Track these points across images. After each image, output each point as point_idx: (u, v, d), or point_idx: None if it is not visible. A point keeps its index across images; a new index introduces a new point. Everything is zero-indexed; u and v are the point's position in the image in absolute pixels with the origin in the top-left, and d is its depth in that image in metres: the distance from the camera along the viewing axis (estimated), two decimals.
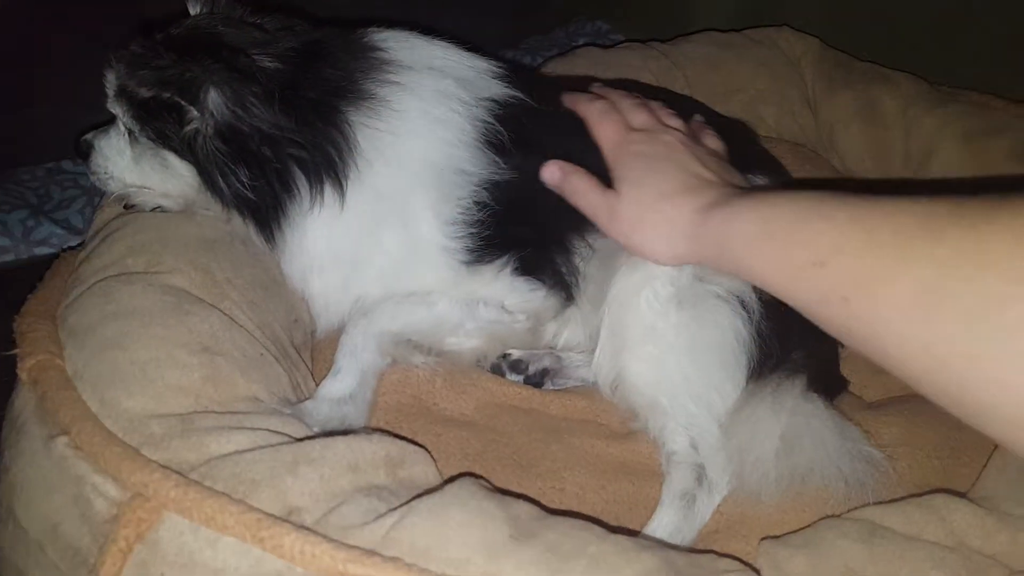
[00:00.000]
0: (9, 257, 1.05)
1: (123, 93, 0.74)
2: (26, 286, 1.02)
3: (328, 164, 0.73)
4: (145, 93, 0.71)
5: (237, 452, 0.50)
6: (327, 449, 0.51)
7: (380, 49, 0.79)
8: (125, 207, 0.79)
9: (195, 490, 0.46)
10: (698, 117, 0.79)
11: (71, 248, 0.85)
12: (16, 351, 0.61)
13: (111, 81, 0.76)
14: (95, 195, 1.13)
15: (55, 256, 1.08)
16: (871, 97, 1.13)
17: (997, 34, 1.12)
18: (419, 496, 0.49)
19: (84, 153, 0.81)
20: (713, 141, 0.73)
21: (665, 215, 0.60)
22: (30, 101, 1.36)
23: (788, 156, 1.05)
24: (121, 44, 0.77)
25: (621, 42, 1.68)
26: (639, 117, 0.70)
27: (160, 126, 0.72)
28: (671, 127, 0.69)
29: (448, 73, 0.80)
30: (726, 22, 1.41)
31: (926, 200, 0.40)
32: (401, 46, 0.80)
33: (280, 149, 0.71)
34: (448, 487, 0.51)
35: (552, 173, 0.71)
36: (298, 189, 0.73)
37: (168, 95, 0.70)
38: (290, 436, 0.55)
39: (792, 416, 0.71)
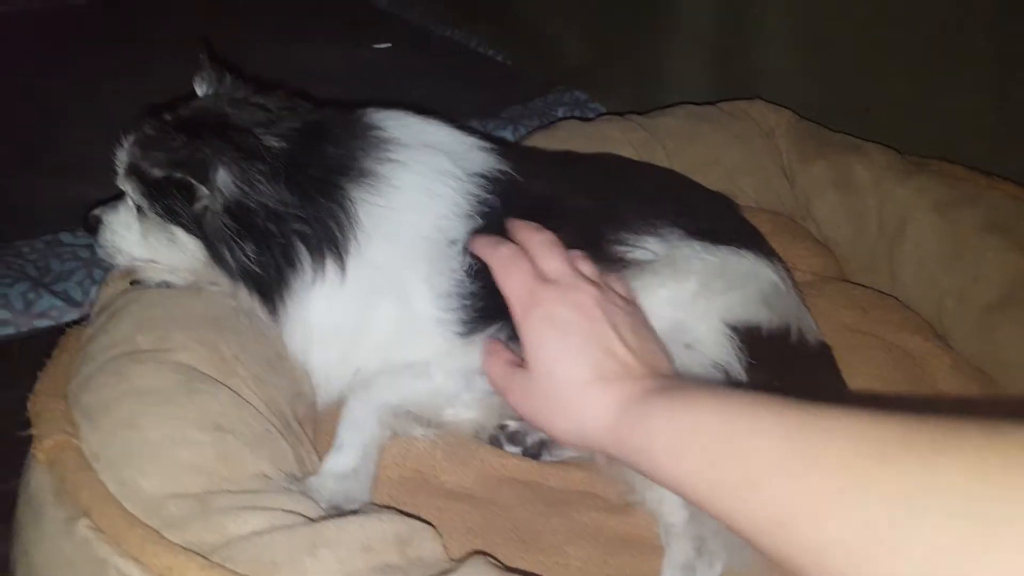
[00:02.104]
0: (10, 330, 1.05)
1: (134, 171, 0.76)
2: (27, 358, 1.03)
3: (330, 239, 0.76)
4: (158, 173, 0.74)
5: (255, 533, 0.51)
6: (342, 530, 0.53)
7: (378, 128, 0.83)
8: (132, 283, 0.81)
9: (219, 572, 0.47)
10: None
11: (75, 322, 0.87)
12: (31, 431, 0.62)
13: (121, 159, 0.79)
14: (94, 267, 1.15)
15: (55, 328, 1.10)
16: (844, 167, 1.19)
17: (961, 106, 1.19)
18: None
19: (92, 228, 0.83)
20: (623, 289, 0.67)
21: (574, 410, 0.54)
22: (27, 173, 1.38)
23: (768, 225, 1.10)
24: (130, 124, 0.81)
25: (601, 113, 1.78)
26: (551, 264, 0.62)
27: (169, 203, 0.74)
28: (584, 277, 0.62)
29: (441, 150, 0.84)
30: (700, 92, 1.49)
31: (870, 419, 0.37)
32: (398, 125, 0.84)
33: (285, 224, 0.74)
34: (462, 569, 0.52)
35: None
36: (301, 263, 0.76)
37: (180, 175, 0.73)
38: (303, 515, 0.56)
39: None
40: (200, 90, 0.86)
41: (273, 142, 0.75)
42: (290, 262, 0.76)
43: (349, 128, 0.81)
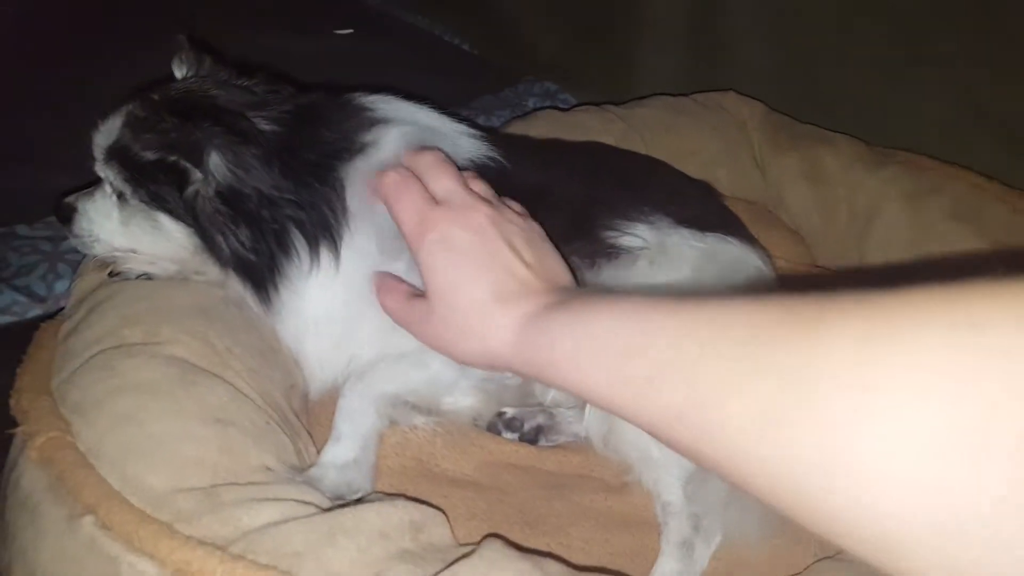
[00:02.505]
0: None
1: (117, 155, 0.73)
2: None
3: (324, 224, 0.75)
4: (149, 156, 0.71)
5: (271, 524, 0.50)
6: (359, 518, 0.52)
7: (370, 111, 0.82)
8: (110, 274, 0.78)
9: (243, 565, 0.46)
10: None
11: (41, 318, 0.83)
12: (19, 429, 0.59)
13: (99, 144, 0.76)
14: (57, 261, 1.10)
15: (18, 324, 1.05)
16: (815, 158, 1.22)
17: (926, 99, 1.23)
18: (456, 561, 0.51)
19: (66, 217, 0.80)
20: (518, 207, 0.67)
21: (476, 332, 0.54)
22: None
23: (744, 213, 1.12)
24: (109, 108, 0.77)
25: (572, 104, 1.78)
26: (441, 184, 0.62)
27: (156, 188, 0.72)
28: (477, 196, 0.61)
29: (435, 132, 0.83)
30: (671, 84, 1.51)
31: (757, 304, 0.37)
32: (389, 108, 0.83)
33: (278, 210, 0.73)
34: (481, 551, 0.52)
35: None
36: (295, 249, 0.74)
37: (173, 158, 0.70)
38: (314, 505, 0.55)
39: None
40: (179, 72, 0.83)
41: (265, 125, 0.73)
42: (284, 248, 0.74)
43: (341, 111, 0.79)
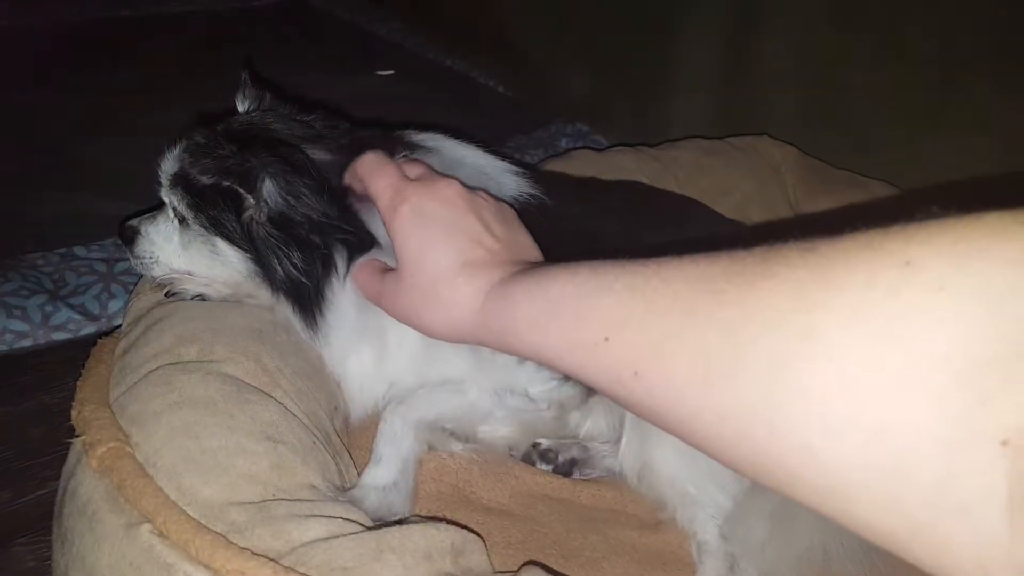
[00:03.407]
0: (27, 342, 1.04)
1: (181, 180, 0.77)
2: (46, 370, 1.02)
3: (368, 252, 0.77)
4: (206, 180, 0.75)
5: (320, 539, 0.52)
6: (405, 537, 0.53)
7: (420, 147, 0.85)
8: (166, 295, 0.81)
9: None
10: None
11: (101, 335, 0.86)
12: (81, 438, 0.61)
13: (166, 170, 0.80)
14: (111, 282, 1.15)
15: (72, 341, 1.09)
16: (848, 202, 1.23)
17: (961, 145, 1.24)
18: None
19: (129, 238, 0.83)
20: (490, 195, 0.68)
21: (443, 300, 0.55)
22: (40, 187, 1.38)
23: None
24: (176, 136, 0.82)
25: (603, 145, 1.82)
26: (415, 169, 0.65)
27: (215, 214, 0.75)
28: (450, 176, 0.63)
29: (479, 170, 0.86)
30: (701, 127, 1.53)
31: (703, 259, 0.38)
32: (437, 144, 0.86)
33: (328, 236, 0.75)
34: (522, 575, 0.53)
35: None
36: (340, 274, 0.77)
37: (228, 183, 0.74)
38: (361, 524, 0.57)
39: (786, 497, 0.74)
40: (241, 107, 0.87)
41: (324, 155, 0.76)
42: (328, 273, 0.77)
43: (393, 145, 0.82)
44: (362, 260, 0.71)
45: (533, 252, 0.60)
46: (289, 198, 0.74)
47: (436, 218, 0.58)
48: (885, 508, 0.29)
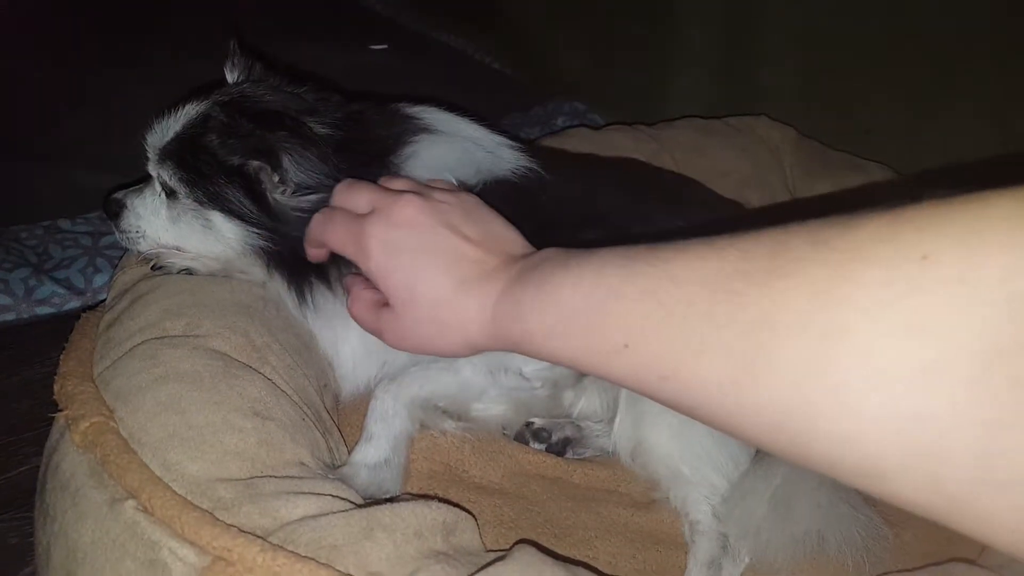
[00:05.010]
0: (10, 316, 1.02)
1: (170, 155, 0.75)
2: (29, 345, 1.00)
3: None
4: (236, 161, 0.72)
5: (309, 517, 0.51)
6: (396, 515, 0.52)
7: (416, 119, 0.83)
8: (152, 268, 0.80)
9: (283, 555, 0.46)
10: None
11: (86, 310, 0.85)
12: (63, 412, 0.60)
13: (153, 143, 0.78)
14: (96, 255, 1.13)
15: (56, 316, 1.07)
16: (847, 185, 1.22)
17: (959, 131, 1.23)
18: (491, 564, 0.50)
19: (115, 212, 0.81)
20: (445, 185, 0.65)
21: (450, 325, 0.53)
22: (23, 159, 1.35)
23: None
24: (164, 109, 0.79)
25: (600, 124, 1.80)
26: (360, 199, 0.59)
27: (217, 189, 0.73)
28: (398, 192, 0.59)
29: (477, 143, 0.84)
30: (700, 107, 1.52)
31: (711, 254, 0.38)
32: (434, 116, 0.84)
33: None
34: (515, 554, 0.52)
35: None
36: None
37: (257, 162, 0.71)
38: (350, 502, 0.56)
39: (785, 480, 0.74)
40: (231, 77, 0.85)
41: (320, 129, 0.74)
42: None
43: (388, 119, 0.81)
44: (349, 279, 0.65)
45: (515, 240, 0.57)
46: (303, 172, 0.72)
47: (407, 246, 0.55)
48: (925, 487, 0.31)
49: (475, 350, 0.54)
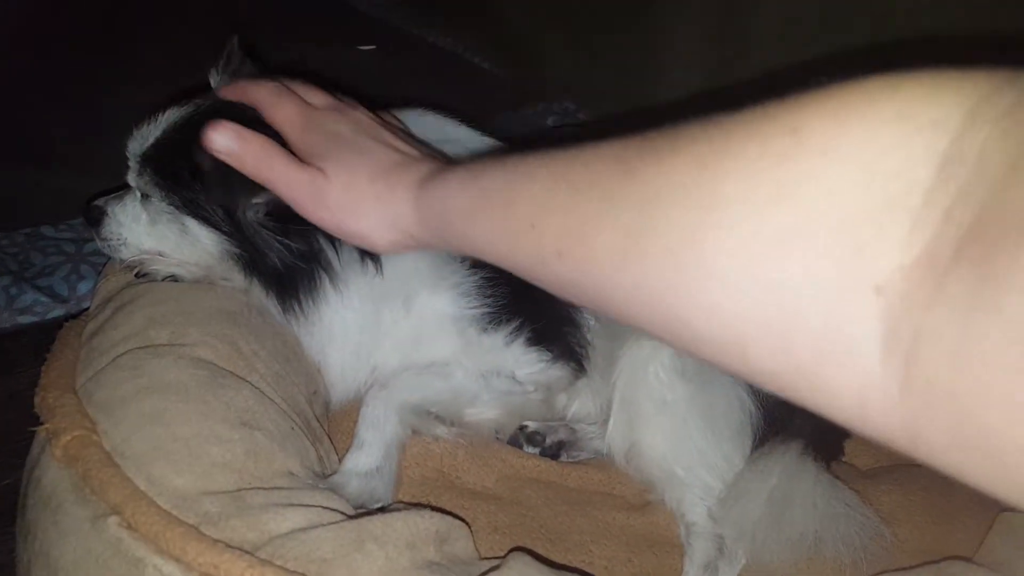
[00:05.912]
0: None
1: (150, 162, 0.74)
2: (11, 355, 0.98)
3: None
4: (207, 166, 0.69)
5: (298, 530, 0.50)
6: (387, 526, 0.51)
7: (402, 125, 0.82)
8: (136, 275, 0.78)
9: (272, 570, 0.45)
10: None
11: (69, 318, 0.83)
12: (44, 426, 0.58)
13: (133, 149, 0.76)
14: (80, 263, 1.11)
15: (39, 325, 1.05)
16: None
17: None
18: (485, 574, 0.49)
19: (95, 219, 0.80)
20: (395, 120, 0.70)
21: (382, 198, 0.56)
22: (3, 164, 1.33)
23: None
24: (148, 114, 0.78)
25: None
26: (319, 97, 0.64)
27: (191, 195, 0.71)
28: (356, 106, 0.64)
29: (463, 146, 0.83)
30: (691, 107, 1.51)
31: (620, 141, 0.40)
32: (422, 122, 0.83)
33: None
34: (510, 563, 0.51)
35: (220, 138, 0.61)
36: (328, 257, 0.74)
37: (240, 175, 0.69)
38: (340, 512, 0.55)
39: (782, 481, 0.73)
40: (215, 81, 0.83)
41: None
42: (325, 261, 0.74)
43: None
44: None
45: (444, 159, 0.61)
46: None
47: (350, 136, 0.60)
48: (777, 356, 0.32)
49: (397, 232, 0.56)
